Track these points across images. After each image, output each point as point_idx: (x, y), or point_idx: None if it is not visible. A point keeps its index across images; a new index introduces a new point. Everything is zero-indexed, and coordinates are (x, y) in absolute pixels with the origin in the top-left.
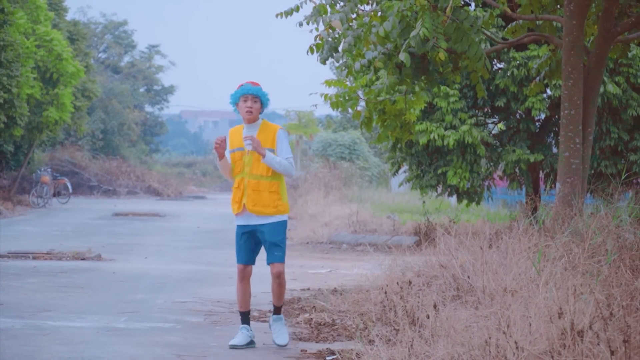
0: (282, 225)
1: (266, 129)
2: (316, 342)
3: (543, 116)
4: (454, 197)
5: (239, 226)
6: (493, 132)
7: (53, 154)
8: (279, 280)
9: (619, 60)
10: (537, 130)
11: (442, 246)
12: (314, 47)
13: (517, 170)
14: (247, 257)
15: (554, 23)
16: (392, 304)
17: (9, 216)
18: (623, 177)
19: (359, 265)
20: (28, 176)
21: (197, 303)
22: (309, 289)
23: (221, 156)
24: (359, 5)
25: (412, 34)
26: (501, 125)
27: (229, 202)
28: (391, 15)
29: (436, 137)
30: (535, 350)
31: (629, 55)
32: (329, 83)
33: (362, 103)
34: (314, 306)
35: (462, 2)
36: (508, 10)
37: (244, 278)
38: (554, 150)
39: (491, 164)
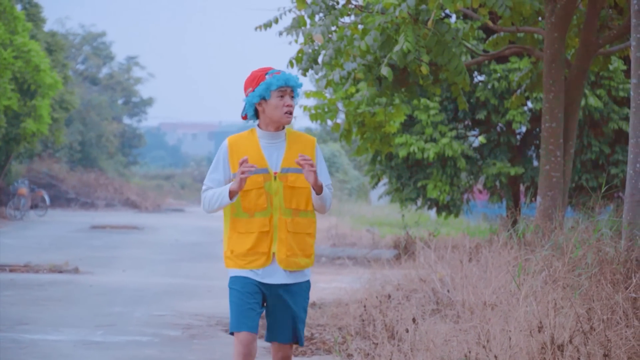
0: (309, 286)
1: (297, 141)
2: (294, 356)
3: (524, 129)
4: (434, 210)
5: (249, 279)
6: (473, 145)
7: (30, 166)
8: None
9: (600, 73)
10: (517, 144)
11: (422, 260)
12: (294, 61)
13: (497, 183)
14: (255, 322)
15: (535, 35)
16: (371, 317)
17: None
18: (603, 191)
19: (338, 278)
20: (5, 188)
21: (174, 316)
22: None
23: (238, 190)
24: (339, 18)
25: (396, 48)
26: (482, 138)
27: (207, 214)
28: (372, 29)
29: (416, 150)
30: None
31: (610, 68)
32: (308, 95)
33: (342, 115)
34: None
35: (443, 14)
36: (489, 22)
37: (250, 357)
38: (535, 163)
39: (471, 177)
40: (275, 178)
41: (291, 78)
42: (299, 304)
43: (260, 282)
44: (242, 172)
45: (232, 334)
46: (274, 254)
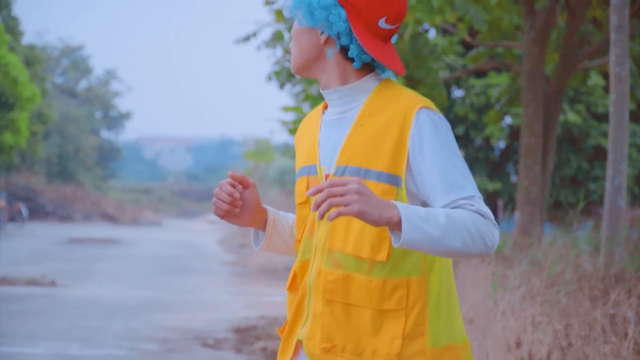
0: None
1: (381, 108)
2: None
3: (502, 145)
4: None
5: None
6: None
7: (8, 179)
8: None
9: (579, 89)
10: (496, 159)
11: None
12: (273, 75)
13: None
14: None
15: (515, 50)
16: None
17: None
18: (580, 206)
19: None
20: None
21: (151, 330)
22: (264, 317)
23: (242, 221)
24: None
25: None
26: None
27: (185, 228)
28: None
29: None
30: None
31: (590, 84)
32: (286, 109)
33: None
34: (269, 334)
35: (421, 29)
36: (467, 37)
37: None
38: (513, 179)
39: None
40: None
41: None
42: None
43: None
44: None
45: None
46: (300, 341)
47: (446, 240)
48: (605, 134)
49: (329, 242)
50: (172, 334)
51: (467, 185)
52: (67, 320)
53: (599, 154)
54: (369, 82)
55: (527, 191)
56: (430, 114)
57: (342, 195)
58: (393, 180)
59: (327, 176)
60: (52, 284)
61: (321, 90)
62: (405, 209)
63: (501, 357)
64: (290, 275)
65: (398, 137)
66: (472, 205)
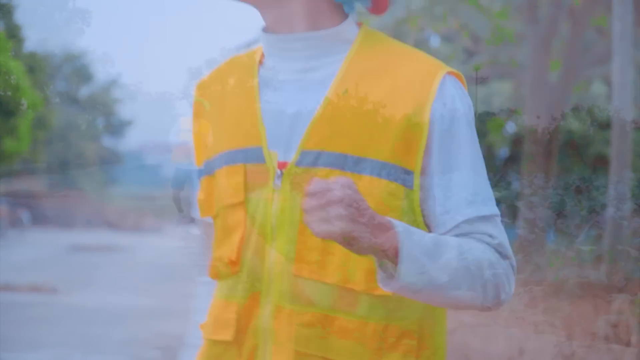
0: None
1: (384, 62)
2: None
3: (505, 153)
4: None
5: None
6: None
7: (9, 185)
8: None
9: (582, 97)
10: (498, 168)
11: None
12: None
13: None
14: None
15: (517, 57)
16: None
17: None
18: (583, 214)
19: None
20: None
21: (154, 337)
22: None
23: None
24: None
25: None
26: None
27: (187, 234)
28: None
29: None
30: None
31: (592, 91)
32: None
33: None
34: None
35: (425, 36)
36: (470, 44)
37: None
38: (515, 187)
39: None
40: (278, 179)
41: None
42: None
43: None
44: None
45: None
46: None
47: (452, 290)
48: (608, 142)
49: (296, 266)
50: (174, 341)
51: (491, 199)
52: (69, 327)
53: (602, 162)
54: (349, 30)
55: (529, 199)
56: (458, 86)
57: (323, 206)
58: (401, 176)
59: (283, 165)
60: (54, 290)
61: (269, 34)
62: (408, 235)
63: None
64: (230, 318)
65: (412, 113)
66: (492, 237)
